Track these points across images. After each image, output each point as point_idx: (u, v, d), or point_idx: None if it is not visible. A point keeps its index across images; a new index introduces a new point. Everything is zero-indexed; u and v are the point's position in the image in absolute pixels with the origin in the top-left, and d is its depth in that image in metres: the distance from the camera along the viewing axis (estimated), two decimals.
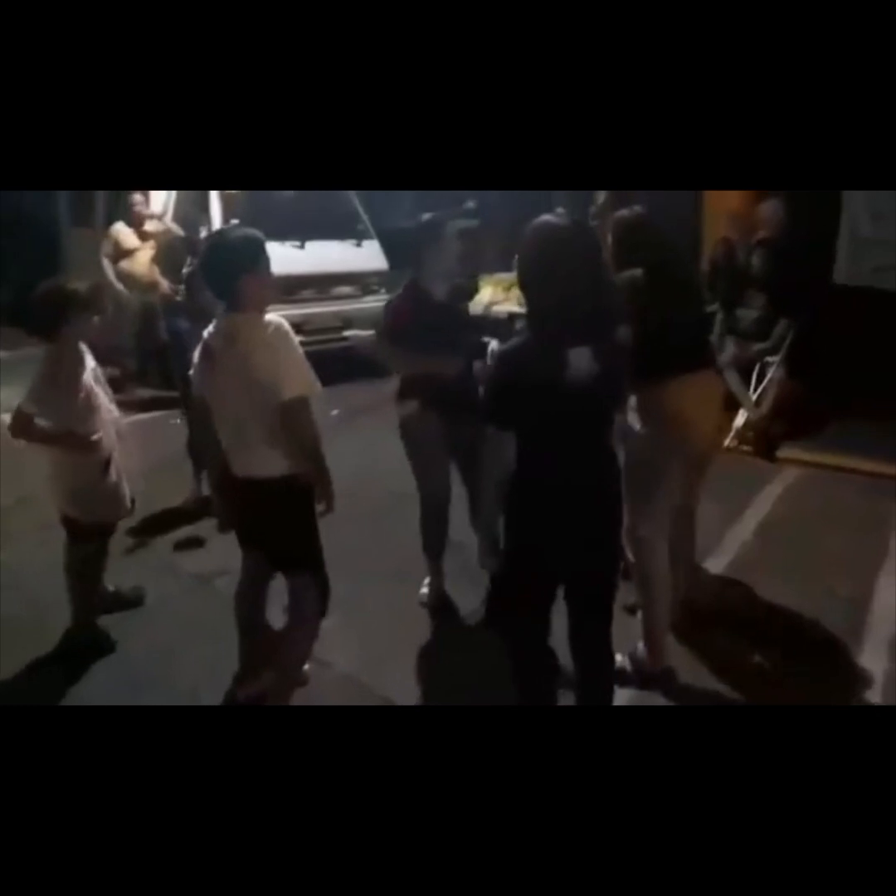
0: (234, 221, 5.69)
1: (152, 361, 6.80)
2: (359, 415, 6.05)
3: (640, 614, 3.01)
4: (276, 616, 2.93)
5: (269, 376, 2.47)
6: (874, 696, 2.91)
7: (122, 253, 6.93)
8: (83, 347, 3.15)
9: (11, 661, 3.15)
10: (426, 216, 3.35)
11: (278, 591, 2.89)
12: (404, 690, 2.99)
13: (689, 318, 2.99)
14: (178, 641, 3.34)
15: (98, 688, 3.05)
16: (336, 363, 5.05)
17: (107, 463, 3.15)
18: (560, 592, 2.36)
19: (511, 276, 5.97)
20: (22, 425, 2.97)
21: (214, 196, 7.21)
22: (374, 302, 7.08)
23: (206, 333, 2.65)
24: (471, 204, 8.71)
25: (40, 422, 2.99)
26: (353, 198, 8.25)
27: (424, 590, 3.61)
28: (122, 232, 6.95)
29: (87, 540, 3.24)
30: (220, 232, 4.17)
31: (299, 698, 2.84)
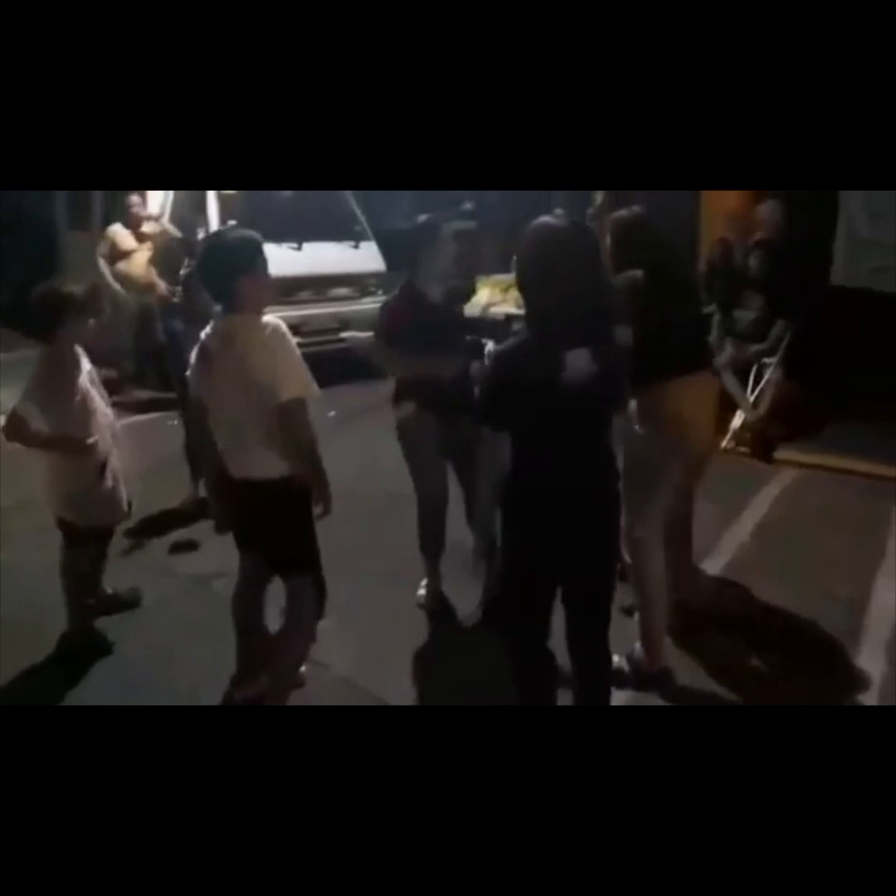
0: (232, 223, 5.71)
1: (150, 363, 6.80)
2: (356, 416, 6.04)
3: (637, 616, 3.01)
4: (274, 618, 2.93)
5: (266, 378, 2.47)
6: (871, 697, 2.90)
7: (119, 254, 6.92)
8: (79, 350, 3.14)
9: (10, 663, 3.14)
10: (422, 218, 3.35)
11: (276, 593, 2.88)
12: (401, 692, 2.98)
13: (688, 318, 3.00)
14: (176, 643, 3.33)
15: (95, 689, 3.04)
16: (333, 364, 5.04)
17: (103, 467, 3.14)
18: (558, 593, 2.36)
19: (509, 278, 5.97)
20: (16, 428, 2.95)
21: (211, 198, 7.21)
22: (372, 303, 7.05)
23: (203, 335, 2.64)
24: (468, 206, 8.73)
25: (36, 425, 2.98)
26: (351, 199, 8.25)
27: (422, 591, 3.60)
28: (120, 233, 6.94)
29: (83, 544, 3.23)
30: (217, 233, 4.18)
31: (296, 700, 2.83)
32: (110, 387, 3.43)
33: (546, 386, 2.10)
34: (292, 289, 7.13)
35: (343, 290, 7.88)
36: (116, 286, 6.88)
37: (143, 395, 6.89)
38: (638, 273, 2.79)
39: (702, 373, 2.98)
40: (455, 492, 3.47)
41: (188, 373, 2.70)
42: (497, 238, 7.42)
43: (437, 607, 3.56)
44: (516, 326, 5.13)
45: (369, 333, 3.53)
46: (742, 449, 5.32)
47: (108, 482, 3.17)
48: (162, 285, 5.25)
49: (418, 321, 3.19)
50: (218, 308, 2.60)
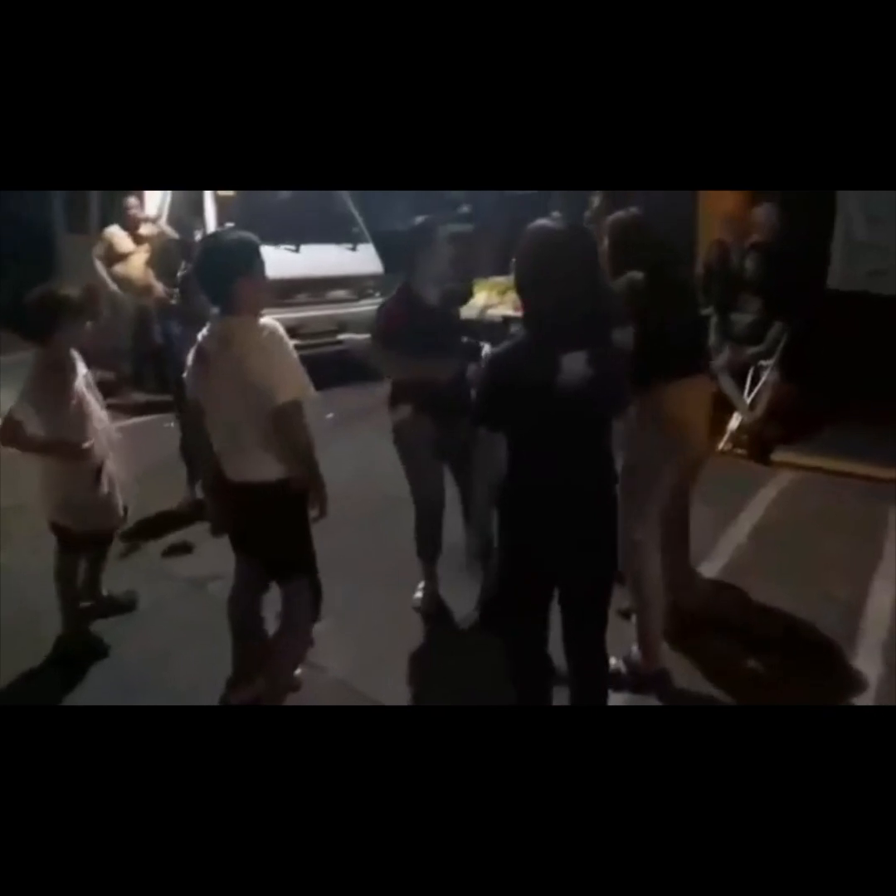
0: (229, 225, 5.71)
1: (147, 365, 6.80)
2: (353, 419, 6.04)
3: (634, 618, 3.01)
4: (271, 621, 2.92)
5: (263, 380, 2.46)
6: (868, 698, 2.90)
7: (116, 256, 6.92)
8: (75, 354, 3.13)
9: (7, 665, 3.13)
10: (419, 220, 3.35)
11: (273, 596, 2.88)
12: (398, 695, 2.98)
13: (686, 320, 3.00)
14: (172, 646, 3.33)
15: (91, 692, 3.03)
16: (330, 367, 5.04)
17: (98, 471, 3.13)
18: (555, 595, 2.36)
19: (506, 280, 5.97)
20: (12, 432, 2.94)
21: (209, 199, 7.21)
22: (369, 306, 7.05)
23: (200, 337, 2.64)
24: (465, 208, 8.74)
25: (31, 428, 2.96)
26: (348, 201, 8.25)
27: (419, 594, 3.60)
28: (117, 235, 6.93)
29: (78, 549, 3.22)
30: (214, 235, 4.14)
31: (292, 703, 2.82)
32: (107, 389, 3.43)
33: (543, 388, 2.10)
34: (290, 291, 7.13)
35: (340, 293, 7.88)
36: (114, 288, 6.88)
37: (140, 397, 6.88)
38: (637, 275, 2.79)
39: (701, 376, 2.98)
40: (452, 494, 3.47)
41: (185, 375, 2.70)
42: (494, 241, 7.41)
43: (434, 610, 3.55)
44: (514, 329, 5.13)
45: (366, 335, 3.52)
46: (739, 451, 5.32)
47: (104, 488, 3.15)
48: (159, 287, 5.24)
49: (415, 323, 3.19)
50: (215, 310, 2.60)
